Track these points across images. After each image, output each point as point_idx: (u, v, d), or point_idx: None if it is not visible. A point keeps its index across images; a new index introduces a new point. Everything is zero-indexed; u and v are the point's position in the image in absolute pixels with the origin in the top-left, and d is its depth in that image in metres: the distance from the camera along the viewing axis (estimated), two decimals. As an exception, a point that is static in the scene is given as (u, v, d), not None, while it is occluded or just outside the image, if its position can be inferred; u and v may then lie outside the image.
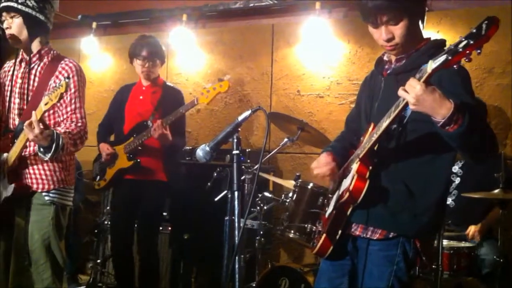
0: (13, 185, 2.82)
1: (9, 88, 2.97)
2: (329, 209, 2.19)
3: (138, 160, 3.79)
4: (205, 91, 3.55)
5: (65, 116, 2.89)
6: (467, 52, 1.61)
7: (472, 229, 3.54)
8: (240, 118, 2.30)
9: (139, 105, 3.96)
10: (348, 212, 2.09)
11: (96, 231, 4.79)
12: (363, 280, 2.07)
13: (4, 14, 2.88)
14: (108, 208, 4.70)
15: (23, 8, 2.88)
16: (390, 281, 2.00)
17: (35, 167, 2.88)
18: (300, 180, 3.57)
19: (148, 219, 3.86)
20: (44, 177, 2.87)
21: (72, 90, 2.88)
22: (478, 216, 3.63)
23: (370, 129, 2.08)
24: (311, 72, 4.79)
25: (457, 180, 3.66)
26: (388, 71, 2.16)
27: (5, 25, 2.88)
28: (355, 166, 2.02)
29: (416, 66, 1.96)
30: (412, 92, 1.73)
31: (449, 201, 3.58)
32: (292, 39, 4.87)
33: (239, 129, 2.31)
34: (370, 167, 2.01)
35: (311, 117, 4.69)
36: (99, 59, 5.75)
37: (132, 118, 3.93)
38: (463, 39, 1.60)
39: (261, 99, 4.96)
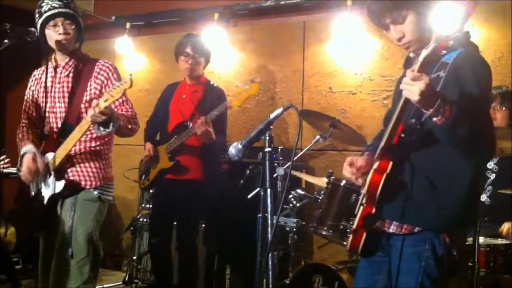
0: (63, 181, 2.94)
1: (45, 94, 3.07)
2: (358, 206, 2.19)
3: (178, 160, 3.85)
4: (237, 93, 3.57)
5: None
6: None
7: (506, 226, 3.47)
8: (272, 115, 2.32)
9: (181, 104, 4.02)
10: (374, 208, 2.08)
11: (132, 228, 4.87)
12: (394, 277, 2.06)
13: (58, 19, 2.96)
14: (143, 205, 4.78)
15: (77, 15, 3.02)
16: (420, 277, 1.99)
17: (82, 165, 3.01)
18: (332, 178, 3.56)
19: (185, 218, 3.92)
20: (91, 174, 3.01)
21: None
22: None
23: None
24: (343, 69, 4.77)
25: (492, 177, 3.59)
26: None
27: (60, 31, 2.96)
28: (376, 163, 2.04)
29: (437, 58, 1.96)
30: (414, 86, 1.77)
31: (484, 198, 3.52)
32: (323, 36, 4.85)
33: (271, 126, 2.33)
34: (391, 162, 2.01)
35: (343, 114, 4.66)
36: (133, 59, 5.83)
37: (175, 117, 4.00)
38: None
39: (293, 96, 4.95)
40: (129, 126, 2.99)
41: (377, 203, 2.06)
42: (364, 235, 2.12)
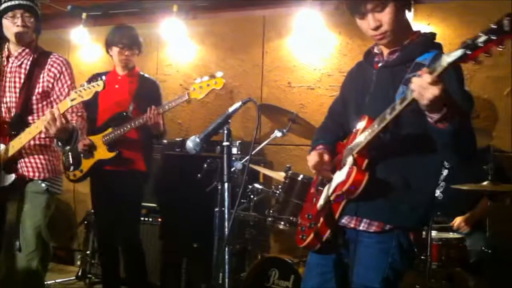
0: (13, 174, 2.91)
1: None
2: (321, 202, 2.18)
3: (120, 151, 3.75)
4: (197, 87, 3.50)
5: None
6: (488, 48, 1.56)
7: (458, 220, 3.56)
8: (231, 109, 2.31)
9: (115, 94, 3.91)
10: (341, 206, 2.08)
11: (86, 222, 4.79)
12: (357, 273, 2.06)
13: (17, 11, 2.91)
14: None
15: (36, 8, 2.98)
16: (386, 272, 2.01)
17: (30, 156, 2.97)
18: (290, 172, 3.59)
19: (127, 209, 3.84)
20: (40, 165, 2.97)
21: (68, 82, 3.05)
22: (466, 208, 3.66)
23: (365, 122, 2.04)
24: (302, 64, 4.79)
25: (445, 172, 3.67)
26: (380, 64, 2.14)
27: (19, 23, 2.91)
28: (351, 160, 2.01)
29: (411, 58, 1.96)
30: (430, 90, 1.66)
31: (437, 193, 3.60)
32: (283, 30, 4.86)
33: (230, 120, 2.31)
34: (367, 161, 2.00)
35: (302, 109, 4.69)
36: (89, 50, 5.71)
37: (107, 107, 3.88)
38: (482, 34, 1.55)
39: (252, 91, 4.95)
40: (80, 138, 3.03)
41: (349, 201, 2.05)
42: (328, 232, 2.12)
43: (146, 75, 4.10)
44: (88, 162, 3.84)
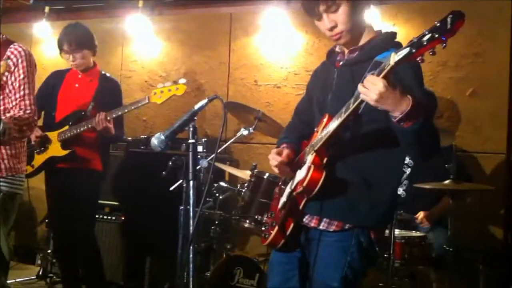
0: None
1: None
2: (282, 200, 2.18)
3: (74, 149, 3.69)
4: (159, 91, 3.52)
5: (14, 103, 2.82)
6: (432, 46, 1.58)
7: (421, 215, 3.62)
8: (197, 106, 2.29)
9: (75, 93, 3.85)
10: (302, 204, 2.08)
11: (47, 220, 4.70)
12: (317, 271, 2.07)
13: None
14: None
15: None
16: (345, 271, 2.02)
17: None
18: (256, 170, 3.58)
19: (81, 208, 3.76)
20: None
21: (21, 76, 2.84)
22: (428, 206, 3.72)
23: (325, 120, 2.05)
24: (269, 62, 4.79)
25: (408, 171, 3.73)
26: (341, 62, 2.15)
27: None
28: (310, 158, 2.01)
29: (370, 57, 1.96)
30: (374, 89, 1.70)
31: (400, 191, 3.65)
32: (250, 28, 4.85)
33: (196, 118, 2.29)
34: (326, 159, 2.00)
35: (268, 107, 4.69)
36: (51, 45, 5.57)
37: (66, 105, 3.81)
38: (427, 33, 1.57)
39: (218, 88, 4.92)
40: (17, 135, 2.77)
41: (310, 200, 2.05)
42: (289, 230, 2.11)
43: (107, 74, 4.02)
44: (40, 158, 3.77)
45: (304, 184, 1.96)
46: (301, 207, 2.09)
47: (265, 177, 3.49)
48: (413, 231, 3.53)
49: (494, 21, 4.03)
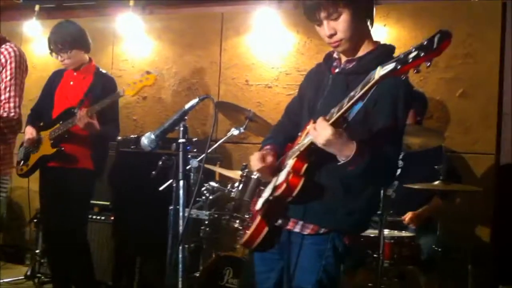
0: None
1: None
2: (260, 201, 2.17)
3: (62, 148, 3.67)
4: (132, 83, 3.54)
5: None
6: (416, 64, 1.58)
7: (409, 215, 3.62)
8: (187, 106, 2.28)
9: (69, 91, 3.84)
10: (279, 207, 2.08)
11: (35, 220, 4.67)
12: (292, 274, 2.07)
13: None
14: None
15: None
16: (319, 275, 2.03)
17: None
18: (246, 170, 3.57)
19: (72, 208, 3.74)
20: None
21: (8, 78, 2.83)
22: (418, 206, 3.72)
23: (309, 126, 2.04)
24: (260, 62, 4.79)
25: (398, 171, 3.74)
26: (337, 70, 2.15)
27: None
28: (291, 162, 2.02)
29: (366, 70, 1.95)
30: (322, 134, 1.80)
31: (390, 192, 3.66)
32: (242, 28, 4.85)
33: (186, 117, 2.29)
34: (306, 165, 2.01)
35: (259, 107, 4.68)
36: (41, 43, 5.55)
37: (60, 103, 3.81)
38: (414, 50, 1.57)
39: (209, 88, 4.92)
40: None
41: (287, 203, 2.05)
42: (265, 231, 2.11)
43: (103, 71, 4.01)
44: (34, 157, 3.79)
45: (282, 188, 1.97)
46: (277, 210, 2.08)
47: (255, 177, 3.48)
48: (403, 231, 3.54)
49: (484, 22, 4.05)
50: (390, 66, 1.62)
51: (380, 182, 2.04)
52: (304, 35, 4.61)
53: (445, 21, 4.10)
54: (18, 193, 5.35)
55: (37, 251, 4.66)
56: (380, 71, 1.65)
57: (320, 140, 1.82)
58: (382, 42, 2.14)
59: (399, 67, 1.60)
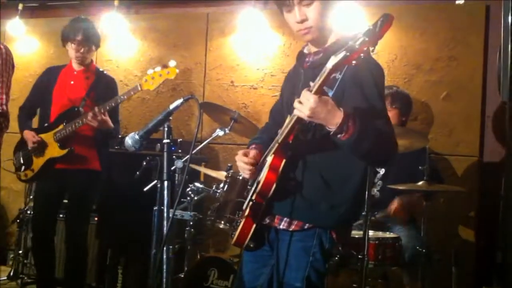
0: None
1: None
2: (247, 200, 2.18)
3: (72, 148, 3.62)
4: (150, 78, 3.42)
5: None
6: (364, 49, 1.63)
7: (395, 204, 3.60)
8: (172, 106, 2.28)
9: (70, 90, 3.80)
10: (263, 204, 2.08)
11: (18, 220, 4.61)
12: (281, 271, 2.08)
13: None
14: (31, 197, 4.51)
15: None
16: (307, 271, 2.04)
17: None
18: (231, 171, 3.56)
19: (79, 210, 3.73)
20: None
21: None
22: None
23: (286, 122, 2.06)
24: (246, 63, 4.79)
25: (382, 171, 3.76)
26: (308, 64, 2.18)
27: None
28: (269, 159, 2.04)
29: None
30: (307, 104, 1.77)
31: (374, 191, 3.68)
32: (227, 29, 4.84)
33: (171, 118, 2.28)
34: (284, 160, 2.02)
35: (244, 108, 4.68)
36: (25, 43, 5.51)
37: (61, 103, 3.75)
38: (361, 36, 1.63)
39: (194, 88, 4.90)
40: None
41: (269, 200, 2.06)
42: (252, 230, 2.12)
43: (103, 70, 4.00)
44: (39, 161, 3.71)
45: (260, 185, 2.00)
46: (262, 207, 2.09)
47: (240, 177, 3.47)
48: (387, 232, 3.56)
49: (467, 25, 4.09)
50: (341, 55, 1.67)
51: (379, 156, 1.95)
52: (290, 36, 4.61)
53: (429, 23, 4.14)
54: (1, 193, 5.29)
55: (20, 251, 4.61)
56: (333, 60, 1.69)
57: (305, 111, 1.78)
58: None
59: (348, 54, 1.65)
